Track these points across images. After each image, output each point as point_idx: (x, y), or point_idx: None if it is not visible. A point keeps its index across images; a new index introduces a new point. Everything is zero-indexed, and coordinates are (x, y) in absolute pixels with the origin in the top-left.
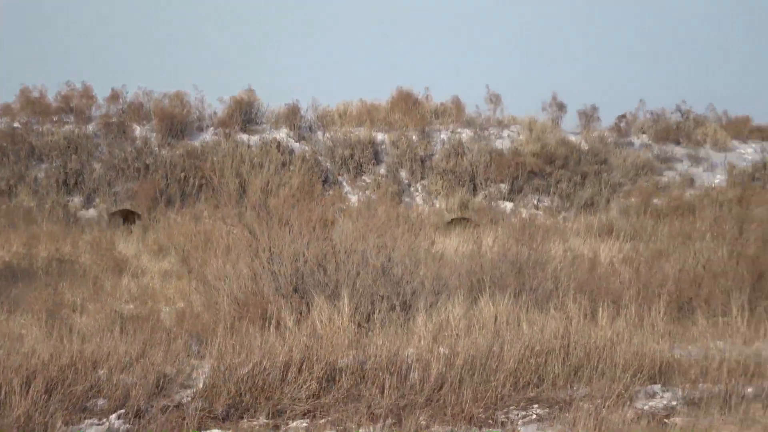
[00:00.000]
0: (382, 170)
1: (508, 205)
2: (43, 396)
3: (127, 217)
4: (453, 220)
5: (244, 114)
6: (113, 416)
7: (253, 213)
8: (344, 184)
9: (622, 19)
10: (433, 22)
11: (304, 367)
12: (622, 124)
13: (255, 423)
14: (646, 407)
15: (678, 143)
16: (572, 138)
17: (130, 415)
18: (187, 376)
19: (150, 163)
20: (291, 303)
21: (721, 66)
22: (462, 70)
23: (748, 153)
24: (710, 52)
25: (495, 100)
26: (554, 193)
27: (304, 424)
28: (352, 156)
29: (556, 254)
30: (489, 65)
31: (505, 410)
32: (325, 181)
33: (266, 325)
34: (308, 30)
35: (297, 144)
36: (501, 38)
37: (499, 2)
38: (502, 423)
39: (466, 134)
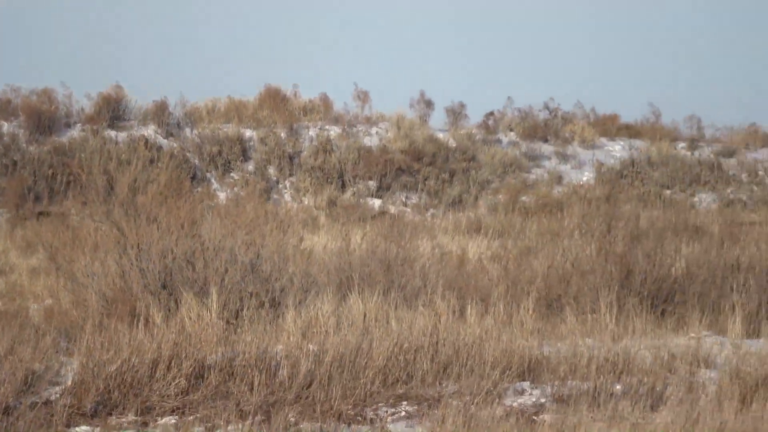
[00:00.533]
0: (251, 167)
1: (377, 202)
2: None
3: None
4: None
5: (112, 110)
6: None
7: (121, 210)
8: (213, 180)
9: (489, 16)
10: (301, 18)
11: (172, 364)
12: (490, 122)
13: (123, 420)
14: (515, 404)
15: (546, 141)
16: (440, 135)
17: None
18: (56, 373)
19: (17, 159)
20: (159, 300)
21: (590, 63)
22: (330, 68)
23: (616, 150)
24: (578, 50)
25: (363, 97)
26: (422, 191)
27: (173, 421)
28: (220, 153)
29: (424, 251)
30: (357, 62)
31: (374, 407)
32: (193, 178)
33: (135, 322)
34: (177, 26)
35: (165, 141)
36: (369, 35)
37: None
38: (371, 420)
39: (334, 131)
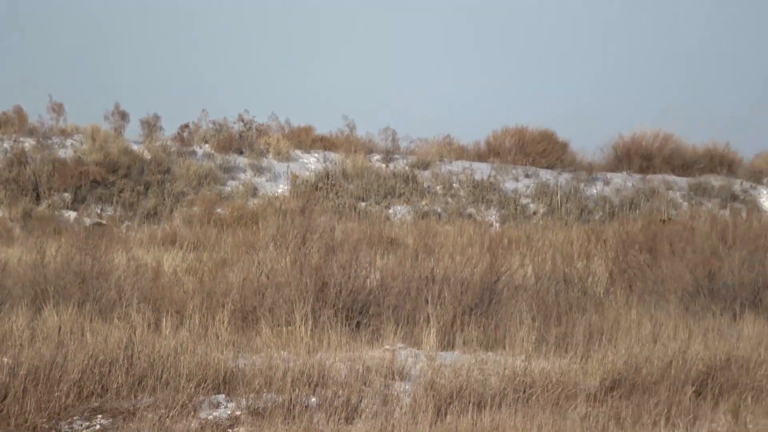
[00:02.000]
0: None
1: (72, 214)
2: None
3: None
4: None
5: None
6: None
7: None
8: None
9: (183, 28)
10: None
11: None
12: (185, 134)
13: None
14: (210, 417)
15: (241, 153)
16: (135, 147)
17: None
18: None
19: None
20: None
21: (285, 75)
22: (25, 80)
23: (311, 162)
24: (272, 61)
25: (58, 109)
26: (118, 203)
27: None
28: None
29: (119, 264)
30: (51, 74)
31: (69, 420)
32: None
33: None
34: None
35: None
36: (65, 46)
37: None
38: None
39: (29, 143)
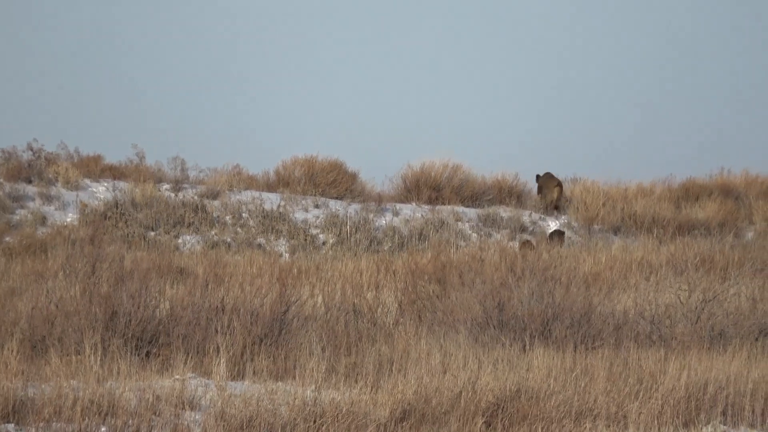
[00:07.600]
0: None
1: None
2: None
3: None
4: None
5: None
6: None
7: None
8: None
9: None
10: None
11: None
12: None
13: None
14: None
15: (30, 182)
16: None
17: None
18: None
19: None
20: None
21: (71, 103)
22: None
23: (100, 191)
24: (61, 90)
25: None
26: None
27: None
28: None
29: None
30: None
31: None
32: None
33: None
34: None
35: None
36: None
37: None
38: None
39: None
